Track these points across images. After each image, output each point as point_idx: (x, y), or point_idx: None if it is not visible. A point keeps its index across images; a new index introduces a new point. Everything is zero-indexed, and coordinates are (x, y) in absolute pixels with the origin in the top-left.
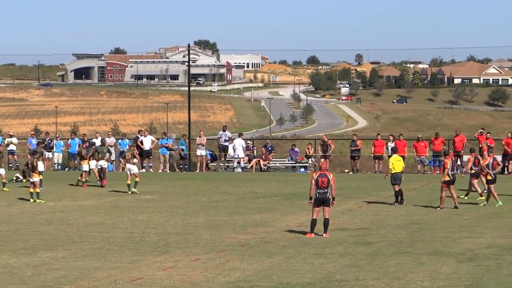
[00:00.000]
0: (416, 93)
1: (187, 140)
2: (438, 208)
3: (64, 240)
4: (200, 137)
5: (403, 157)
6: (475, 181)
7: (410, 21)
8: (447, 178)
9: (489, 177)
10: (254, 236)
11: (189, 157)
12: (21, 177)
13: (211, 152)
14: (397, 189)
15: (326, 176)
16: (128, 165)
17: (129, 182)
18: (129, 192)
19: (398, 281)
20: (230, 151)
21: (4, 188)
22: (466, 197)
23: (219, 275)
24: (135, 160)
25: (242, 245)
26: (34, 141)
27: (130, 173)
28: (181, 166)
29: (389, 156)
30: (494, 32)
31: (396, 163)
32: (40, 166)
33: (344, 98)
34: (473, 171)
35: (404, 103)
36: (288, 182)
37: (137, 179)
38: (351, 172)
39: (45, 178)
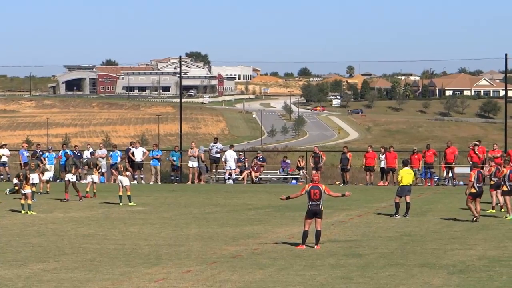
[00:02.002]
0: (408, 105)
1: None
2: (474, 220)
3: (56, 252)
4: (192, 148)
5: (394, 169)
6: (493, 192)
7: (402, 33)
8: (473, 190)
9: (504, 189)
10: (246, 248)
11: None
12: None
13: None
14: (397, 200)
15: (318, 188)
16: (120, 177)
17: (120, 193)
18: (121, 204)
19: None
20: (230, 161)
21: None
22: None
23: (211, 287)
24: (127, 173)
25: (234, 257)
26: (26, 153)
27: (122, 185)
28: (173, 178)
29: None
30: (486, 44)
31: (406, 176)
32: (35, 178)
33: (320, 108)
34: (492, 182)
35: (360, 113)
36: (279, 194)
37: (128, 193)
38: (342, 184)
39: (38, 189)
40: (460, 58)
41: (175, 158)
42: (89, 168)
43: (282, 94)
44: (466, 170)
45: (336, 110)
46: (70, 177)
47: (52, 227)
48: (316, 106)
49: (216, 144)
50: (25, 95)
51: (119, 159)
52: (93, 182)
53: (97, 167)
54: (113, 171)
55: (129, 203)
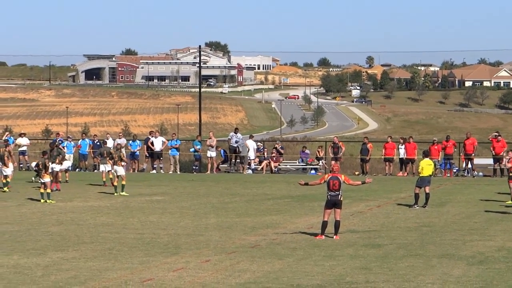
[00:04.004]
0: (427, 95)
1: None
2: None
3: (75, 241)
4: (210, 138)
5: (413, 160)
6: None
7: (421, 24)
8: None
9: None
10: (265, 238)
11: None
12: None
13: (225, 151)
14: (417, 191)
15: (337, 179)
16: (115, 167)
17: (115, 183)
18: (115, 194)
19: (408, 284)
20: (249, 150)
21: (5, 188)
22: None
23: (230, 277)
24: (123, 163)
25: (253, 247)
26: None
27: (117, 175)
28: (193, 168)
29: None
30: (506, 35)
31: (426, 167)
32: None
33: (297, 96)
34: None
35: (364, 103)
36: (298, 185)
37: (123, 182)
38: (361, 174)
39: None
40: (480, 49)
41: (199, 147)
42: (101, 157)
43: (302, 84)
44: (486, 161)
45: (373, 102)
46: (54, 166)
47: (71, 216)
48: (294, 95)
49: (236, 134)
50: (44, 84)
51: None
52: (108, 171)
53: (110, 156)
54: (109, 161)
55: (121, 193)
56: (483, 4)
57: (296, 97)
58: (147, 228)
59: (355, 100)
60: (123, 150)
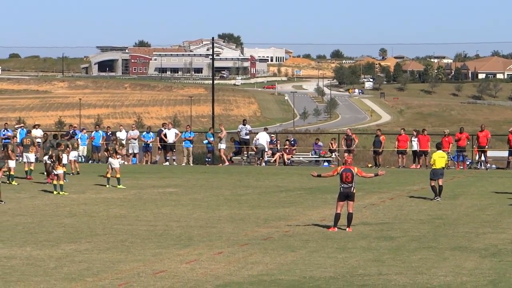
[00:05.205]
0: (440, 88)
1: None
2: None
3: (87, 233)
4: (220, 131)
5: (426, 152)
6: None
7: (435, 16)
8: None
9: None
10: (277, 230)
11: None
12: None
13: (238, 142)
14: (432, 184)
15: (350, 171)
16: (110, 159)
17: (109, 176)
18: (107, 186)
19: (421, 276)
20: (261, 141)
21: (13, 182)
22: None
23: (242, 269)
24: (118, 156)
25: (265, 239)
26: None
27: (111, 168)
28: (206, 160)
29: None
30: None
31: (438, 159)
32: (65, 159)
33: (273, 86)
34: None
35: (361, 93)
36: (311, 176)
37: (118, 175)
38: (374, 167)
39: (68, 170)
40: (493, 41)
41: (212, 139)
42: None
43: (315, 76)
44: (499, 153)
45: (368, 93)
46: (47, 158)
47: (84, 208)
48: (270, 84)
49: (245, 126)
50: (57, 76)
51: (111, 142)
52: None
53: (105, 148)
54: (105, 153)
55: (118, 186)
56: None
57: (273, 87)
58: (160, 220)
59: (357, 90)
60: (134, 141)
